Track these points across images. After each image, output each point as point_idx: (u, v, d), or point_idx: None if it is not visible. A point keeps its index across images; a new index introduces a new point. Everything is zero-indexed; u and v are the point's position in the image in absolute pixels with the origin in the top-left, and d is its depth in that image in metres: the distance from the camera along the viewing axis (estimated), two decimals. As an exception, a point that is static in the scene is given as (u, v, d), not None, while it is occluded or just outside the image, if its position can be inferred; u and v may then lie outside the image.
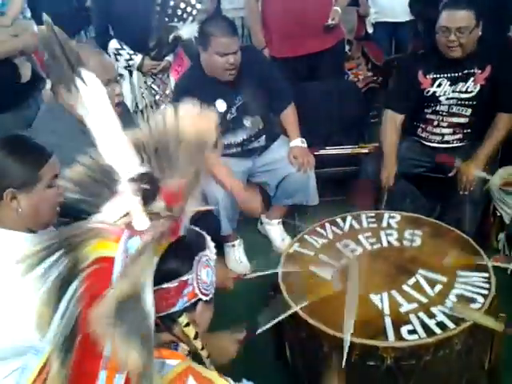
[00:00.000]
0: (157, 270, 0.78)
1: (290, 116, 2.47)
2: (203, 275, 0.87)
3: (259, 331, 1.50)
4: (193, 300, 0.87)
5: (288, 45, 2.84)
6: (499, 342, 1.57)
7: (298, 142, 2.42)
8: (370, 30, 3.76)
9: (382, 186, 2.35)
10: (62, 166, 1.37)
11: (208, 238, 0.95)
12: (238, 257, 2.45)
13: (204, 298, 0.88)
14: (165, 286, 0.84)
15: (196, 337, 0.91)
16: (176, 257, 0.86)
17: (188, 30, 2.59)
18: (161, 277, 0.82)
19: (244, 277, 1.75)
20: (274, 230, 2.63)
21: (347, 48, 3.65)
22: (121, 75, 2.56)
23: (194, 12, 2.64)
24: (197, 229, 0.95)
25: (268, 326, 1.50)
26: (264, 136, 2.44)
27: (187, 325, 0.88)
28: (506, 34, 2.83)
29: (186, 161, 0.87)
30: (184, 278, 0.85)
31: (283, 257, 1.75)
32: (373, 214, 1.98)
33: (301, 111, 2.73)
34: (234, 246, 2.47)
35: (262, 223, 2.71)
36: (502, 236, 2.23)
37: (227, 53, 2.14)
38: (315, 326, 1.42)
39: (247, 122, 2.37)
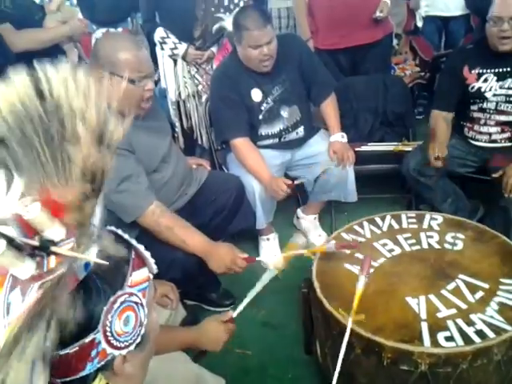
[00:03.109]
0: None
1: (330, 108, 2.41)
2: (118, 326, 0.65)
3: (237, 312, 1.47)
4: (107, 359, 0.66)
5: (334, 36, 2.79)
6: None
7: (339, 137, 2.37)
8: (420, 24, 3.65)
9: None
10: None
11: (133, 257, 0.71)
12: (272, 251, 2.43)
13: (121, 352, 0.67)
14: (61, 352, 0.63)
15: None
16: (72, 313, 0.63)
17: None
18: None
19: (256, 259, 1.73)
20: (310, 225, 2.61)
21: (395, 42, 3.57)
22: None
23: (242, 3, 2.63)
24: (117, 249, 0.67)
25: (243, 304, 1.50)
26: (302, 127, 2.40)
27: None
28: None
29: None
30: (87, 339, 0.64)
31: (318, 253, 1.73)
32: (413, 215, 1.92)
33: (344, 106, 2.70)
34: (268, 239, 2.46)
35: (298, 218, 2.69)
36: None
37: (260, 44, 2.12)
38: (329, 310, 1.39)
39: (284, 113, 2.34)
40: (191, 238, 1.70)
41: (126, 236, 0.73)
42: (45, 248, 0.55)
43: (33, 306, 0.53)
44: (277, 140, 2.38)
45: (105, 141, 0.58)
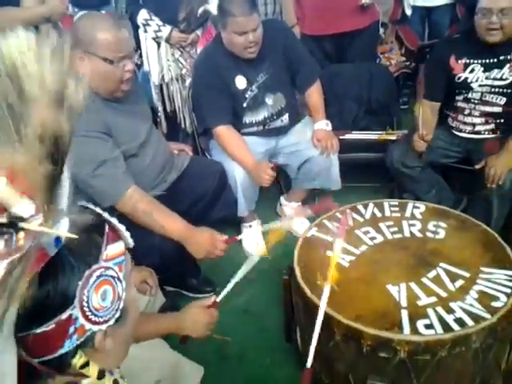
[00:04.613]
0: (20, 314, 0.57)
1: (314, 95, 2.38)
2: (95, 300, 0.64)
3: (221, 296, 1.45)
4: (86, 335, 0.65)
5: (320, 22, 2.77)
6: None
7: (323, 125, 2.35)
8: (409, 12, 3.60)
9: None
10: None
11: (108, 231, 0.69)
12: (254, 238, 2.41)
13: (100, 328, 0.66)
14: (38, 330, 0.62)
15: (101, 375, 0.70)
16: (46, 290, 0.62)
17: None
18: (28, 321, 0.61)
19: (237, 238, 1.71)
20: (293, 212, 2.60)
21: (381, 31, 3.54)
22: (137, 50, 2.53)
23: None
24: (90, 219, 0.67)
25: (227, 288, 1.47)
26: (287, 114, 2.38)
27: (85, 365, 0.67)
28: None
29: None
30: (63, 315, 0.62)
31: (300, 240, 1.72)
32: (396, 203, 1.92)
33: (329, 93, 2.68)
34: (251, 226, 2.44)
35: (281, 205, 2.67)
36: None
37: (246, 31, 2.08)
38: (328, 313, 1.38)
39: (269, 100, 2.31)
40: (170, 223, 1.67)
41: (98, 209, 0.72)
42: (13, 225, 0.53)
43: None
44: (261, 127, 2.35)
45: (64, 103, 0.56)
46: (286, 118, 2.38)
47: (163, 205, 1.72)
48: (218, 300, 1.44)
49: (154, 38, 2.62)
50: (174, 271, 1.87)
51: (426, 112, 2.29)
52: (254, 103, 2.29)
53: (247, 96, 2.27)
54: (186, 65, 2.71)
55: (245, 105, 2.28)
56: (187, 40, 2.64)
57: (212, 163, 2.21)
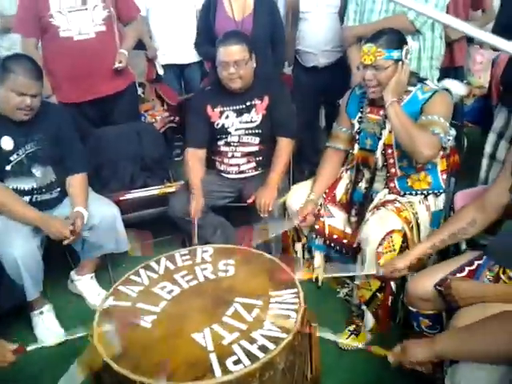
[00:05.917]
0: None
1: (76, 185, 2.30)
2: None
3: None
4: None
5: (77, 90, 2.74)
6: (317, 351, 1.68)
7: (82, 210, 2.24)
8: (161, 72, 3.85)
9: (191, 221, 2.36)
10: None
11: None
12: (48, 325, 2.20)
13: None
14: None
15: None
16: None
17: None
18: None
19: (27, 349, 1.54)
20: (87, 286, 2.45)
21: (140, 91, 3.69)
22: None
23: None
24: None
25: None
26: (59, 189, 2.28)
27: None
28: (279, 69, 3.17)
29: None
30: None
31: (97, 315, 1.63)
32: (186, 252, 1.98)
33: (100, 157, 2.68)
34: (42, 313, 2.21)
35: (72, 281, 2.50)
36: (298, 246, 2.39)
37: (25, 93, 2.03)
38: (138, 381, 1.34)
39: (37, 172, 2.20)
40: None
41: None
42: None
43: None
44: (28, 198, 2.20)
45: None
46: (56, 191, 2.28)
47: None
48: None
49: None
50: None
51: (193, 165, 2.47)
52: (20, 169, 2.16)
53: (12, 159, 2.15)
54: None
55: (8, 168, 2.13)
56: None
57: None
